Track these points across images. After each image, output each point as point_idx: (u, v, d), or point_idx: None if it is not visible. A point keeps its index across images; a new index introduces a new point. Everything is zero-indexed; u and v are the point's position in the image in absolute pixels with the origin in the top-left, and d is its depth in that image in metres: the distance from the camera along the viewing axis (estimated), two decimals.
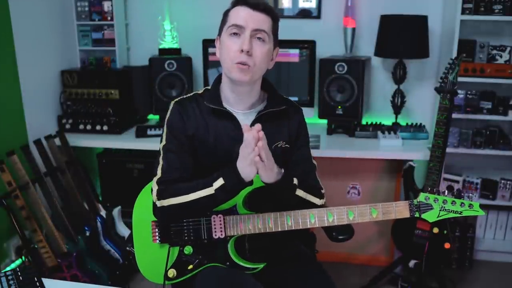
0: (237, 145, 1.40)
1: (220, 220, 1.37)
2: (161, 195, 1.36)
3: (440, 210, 1.30)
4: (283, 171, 1.34)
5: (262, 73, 1.42)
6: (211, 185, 1.29)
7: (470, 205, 1.29)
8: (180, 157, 1.41)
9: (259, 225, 1.35)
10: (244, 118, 1.45)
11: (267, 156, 1.26)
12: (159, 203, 1.36)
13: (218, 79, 1.50)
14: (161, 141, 1.46)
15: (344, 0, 2.73)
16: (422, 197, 1.31)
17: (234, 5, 1.39)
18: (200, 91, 1.52)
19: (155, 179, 1.40)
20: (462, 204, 1.29)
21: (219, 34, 1.44)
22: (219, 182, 1.28)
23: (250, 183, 1.29)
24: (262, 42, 1.36)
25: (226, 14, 1.41)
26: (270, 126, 1.45)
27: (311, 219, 1.33)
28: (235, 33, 1.35)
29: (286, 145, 1.48)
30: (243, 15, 1.35)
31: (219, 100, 1.45)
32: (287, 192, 1.38)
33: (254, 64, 1.35)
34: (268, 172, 1.29)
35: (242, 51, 1.33)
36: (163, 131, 1.46)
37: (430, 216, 1.31)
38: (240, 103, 1.45)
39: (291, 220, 1.34)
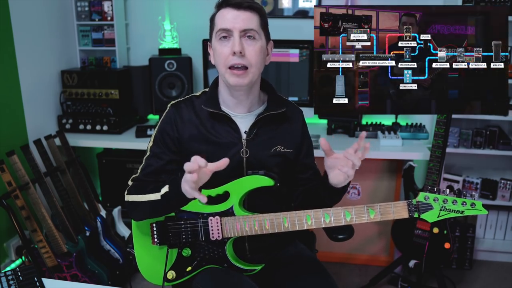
0: (235, 148, 1.40)
1: (217, 222, 1.36)
2: (129, 190, 1.41)
3: (441, 210, 1.25)
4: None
5: (260, 72, 1.39)
6: (159, 191, 1.29)
7: (473, 204, 1.23)
8: (162, 161, 1.42)
9: (255, 226, 1.34)
10: (243, 121, 1.42)
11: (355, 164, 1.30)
12: (126, 197, 1.41)
13: (216, 82, 1.47)
14: (150, 141, 1.47)
15: (344, 0, 2.73)
16: (421, 196, 1.27)
17: (218, 8, 1.36)
18: (198, 93, 1.49)
19: (133, 176, 1.45)
20: (463, 203, 1.24)
21: (210, 40, 1.41)
22: (165, 189, 1.28)
23: (190, 200, 1.24)
24: (253, 40, 1.33)
25: (212, 19, 1.38)
26: (269, 129, 1.43)
27: (308, 220, 1.31)
28: (224, 37, 1.33)
29: (286, 149, 1.45)
30: (229, 18, 1.31)
31: (217, 103, 1.42)
32: (342, 194, 1.41)
33: (250, 65, 1.32)
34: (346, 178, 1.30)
35: (234, 53, 1.30)
36: (154, 131, 1.47)
37: (430, 216, 1.26)
38: (239, 106, 1.42)
39: (288, 222, 1.33)
